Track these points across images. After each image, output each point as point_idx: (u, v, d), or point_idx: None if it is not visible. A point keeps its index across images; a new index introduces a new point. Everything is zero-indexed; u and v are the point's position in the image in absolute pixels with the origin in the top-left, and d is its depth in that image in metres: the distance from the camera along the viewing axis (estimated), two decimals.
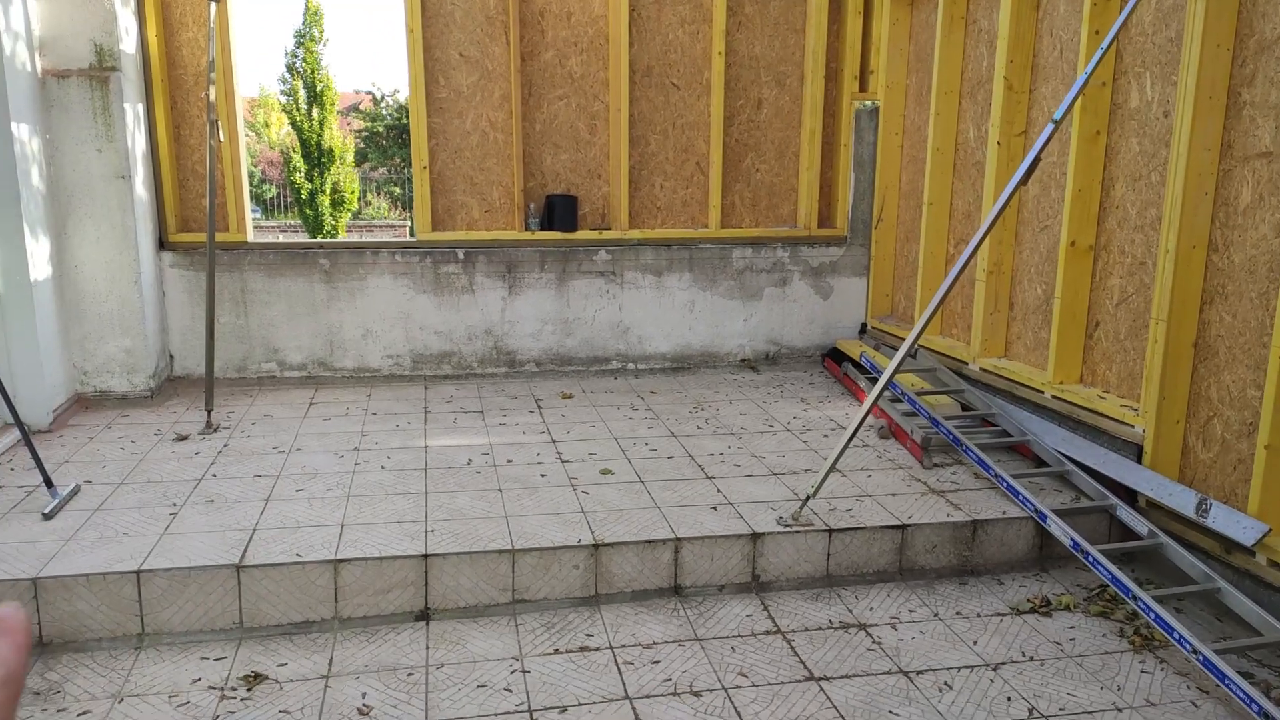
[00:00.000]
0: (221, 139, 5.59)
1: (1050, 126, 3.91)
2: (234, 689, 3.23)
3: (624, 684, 3.29)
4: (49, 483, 4.15)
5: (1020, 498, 4.27)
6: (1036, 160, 3.88)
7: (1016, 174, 3.91)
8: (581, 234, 6.71)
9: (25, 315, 5.10)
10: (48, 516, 3.98)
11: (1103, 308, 4.68)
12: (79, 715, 3.06)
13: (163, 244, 6.21)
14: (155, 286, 6.07)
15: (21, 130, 5.05)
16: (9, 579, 3.41)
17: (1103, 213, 4.67)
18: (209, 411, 5.40)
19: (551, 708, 3.15)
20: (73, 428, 5.34)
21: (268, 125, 26.64)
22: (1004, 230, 5.32)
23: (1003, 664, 3.48)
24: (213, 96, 5.44)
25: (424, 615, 3.73)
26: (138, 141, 5.81)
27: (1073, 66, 4.83)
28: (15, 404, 4.50)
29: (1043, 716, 3.15)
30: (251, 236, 6.44)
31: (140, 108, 5.89)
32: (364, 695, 3.20)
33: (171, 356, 6.32)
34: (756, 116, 6.86)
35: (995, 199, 5.32)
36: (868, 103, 6.77)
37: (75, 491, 4.28)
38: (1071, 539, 3.95)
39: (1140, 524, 4.09)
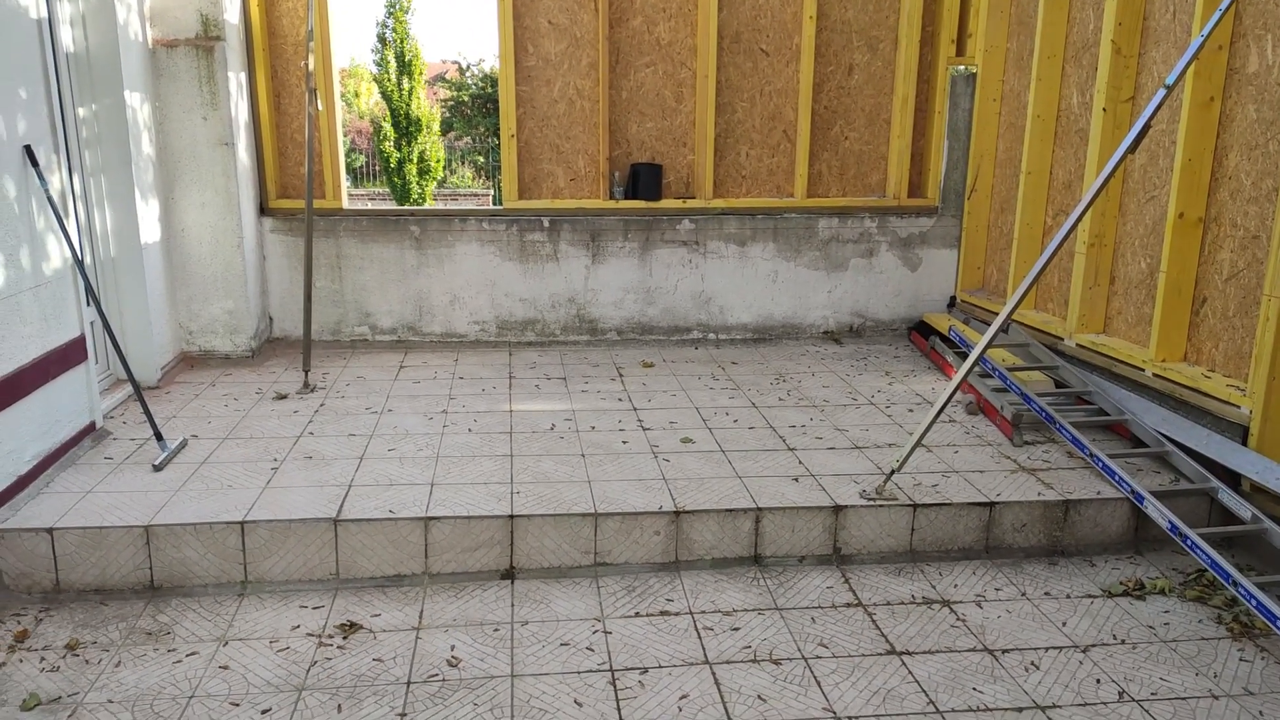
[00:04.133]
0: (320, 107, 5.74)
1: (1162, 92, 3.74)
2: (331, 636, 3.38)
3: (704, 649, 3.33)
4: (159, 436, 4.38)
5: (1116, 478, 4.14)
6: (1146, 127, 3.72)
7: (1124, 142, 3.75)
8: (665, 203, 6.69)
9: (136, 277, 5.35)
10: (158, 468, 4.20)
11: (1211, 283, 4.47)
12: (187, 655, 3.24)
13: (263, 209, 6.43)
14: (256, 251, 6.30)
15: (133, 98, 5.27)
16: (123, 525, 3.62)
17: (1214, 183, 4.44)
18: (306, 372, 5.61)
19: (632, 668, 3.20)
20: (179, 385, 5.60)
21: (357, 95, 27.19)
22: (1107, 201, 5.12)
23: (1092, 646, 3.40)
24: (311, 66, 5.59)
25: (509, 574, 3.82)
26: (240, 109, 6.01)
27: (1186, 29, 4.59)
28: (127, 360, 4.75)
29: (1133, 700, 3.07)
30: (346, 204, 6.62)
31: (243, 76, 6.09)
32: (453, 647, 3.31)
33: (271, 319, 6.56)
34: (847, 83, 6.72)
35: (1099, 168, 5.11)
36: (964, 68, 6.55)
37: (183, 445, 4.50)
38: (1170, 522, 3.82)
39: (1243, 508, 3.93)
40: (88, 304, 4.53)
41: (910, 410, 5.31)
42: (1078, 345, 5.29)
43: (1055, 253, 3.90)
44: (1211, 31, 3.76)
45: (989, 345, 4.02)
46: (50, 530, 3.58)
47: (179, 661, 3.21)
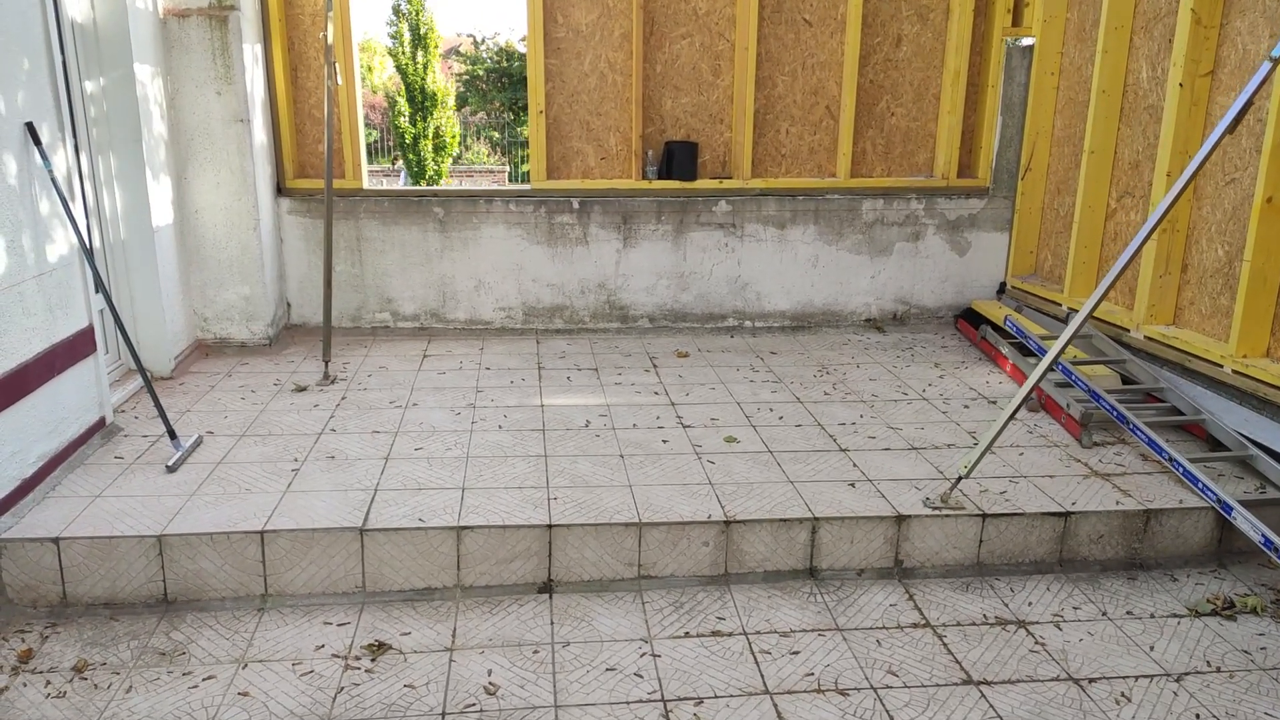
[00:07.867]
0: (339, 82, 5.42)
1: (1266, 65, 3.38)
2: (358, 658, 3.12)
3: (762, 676, 3.05)
4: (172, 434, 4.12)
5: (1199, 485, 3.82)
6: (1249, 104, 3.37)
7: (1224, 120, 3.40)
8: (701, 183, 6.36)
9: (147, 261, 5.07)
10: (171, 469, 3.93)
11: None
12: (204, 680, 2.99)
13: (280, 190, 6.13)
14: (273, 233, 6.01)
15: (143, 72, 4.97)
16: (135, 535, 3.36)
17: None
18: (326, 362, 5.33)
19: (686, 699, 2.93)
20: (194, 375, 5.34)
21: (371, 69, 26.83)
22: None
23: (1186, 674, 3.11)
24: (330, 37, 5.26)
25: (547, 587, 3.55)
26: (256, 84, 5.70)
27: None
28: (138, 350, 4.48)
29: None
30: (366, 183, 6.32)
31: (258, 49, 5.78)
32: (489, 672, 3.05)
33: (289, 304, 6.29)
34: (895, 55, 6.34)
35: (1173, 148, 4.75)
36: (1021, 39, 6.16)
37: (198, 443, 4.24)
38: (1262, 535, 3.51)
39: None
40: (96, 291, 4.26)
41: (966, 406, 4.99)
42: (1146, 337, 4.95)
43: (1143, 244, 3.57)
44: None
45: (1068, 344, 3.70)
46: (56, 540, 3.33)
47: (195, 686, 2.96)
